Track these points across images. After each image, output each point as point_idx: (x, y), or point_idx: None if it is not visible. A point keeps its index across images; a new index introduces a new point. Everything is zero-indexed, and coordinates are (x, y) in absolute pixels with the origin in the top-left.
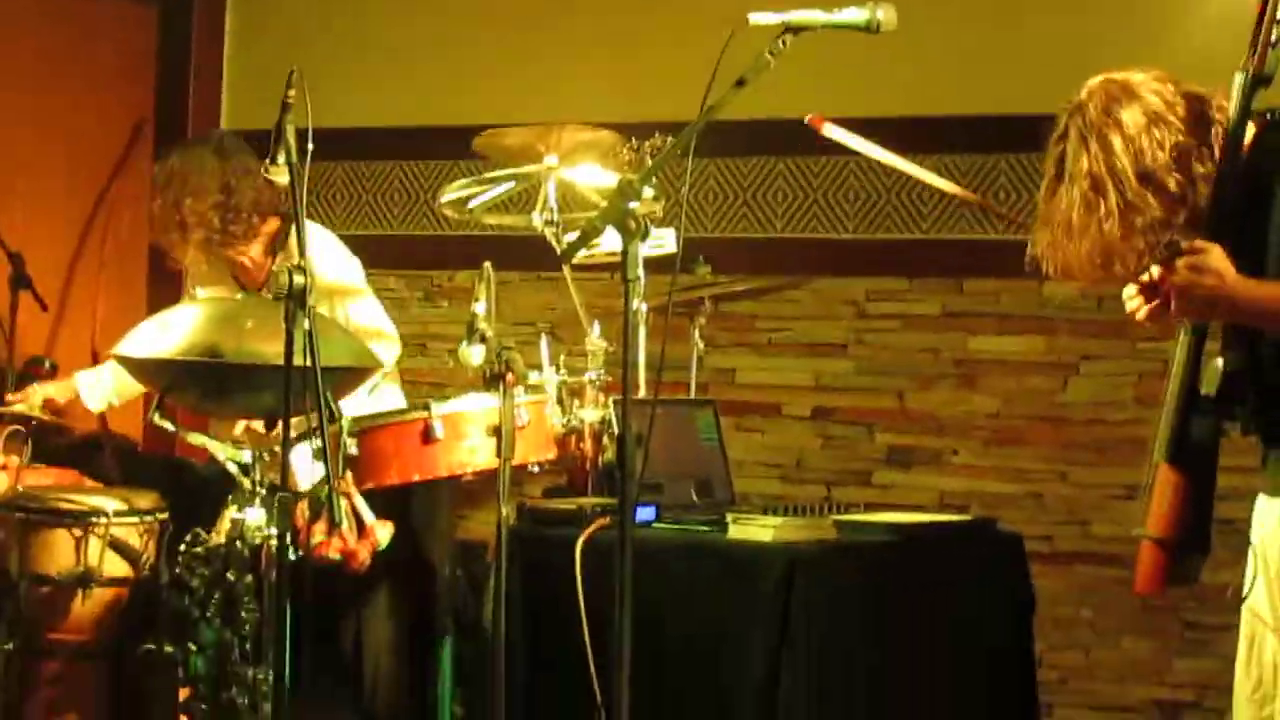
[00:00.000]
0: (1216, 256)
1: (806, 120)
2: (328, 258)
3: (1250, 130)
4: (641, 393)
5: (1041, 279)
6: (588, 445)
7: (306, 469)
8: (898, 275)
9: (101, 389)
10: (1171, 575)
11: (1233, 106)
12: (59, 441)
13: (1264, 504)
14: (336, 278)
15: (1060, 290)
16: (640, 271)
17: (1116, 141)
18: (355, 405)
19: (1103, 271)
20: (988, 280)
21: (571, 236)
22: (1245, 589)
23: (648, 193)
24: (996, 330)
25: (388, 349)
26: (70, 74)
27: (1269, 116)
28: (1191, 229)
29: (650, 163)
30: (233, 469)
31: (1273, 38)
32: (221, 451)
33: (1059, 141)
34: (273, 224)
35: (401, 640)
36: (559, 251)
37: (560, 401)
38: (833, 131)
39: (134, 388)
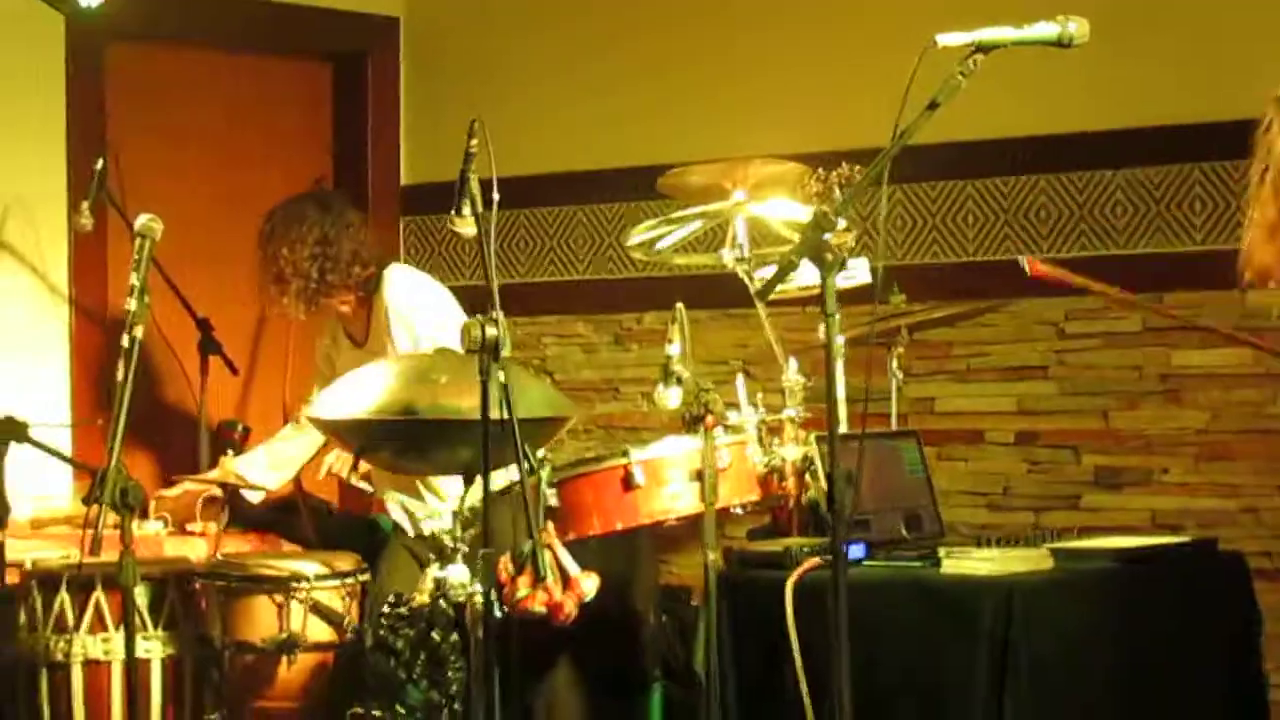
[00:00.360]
0: None
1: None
2: (406, 292)
3: None
4: (843, 427)
5: (1244, 287)
6: (790, 484)
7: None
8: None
9: (260, 468)
10: None
11: None
12: (255, 505)
13: None
14: (411, 308)
15: (1266, 299)
16: (831, 301)
17: None
18: None
19: None
20: (1189, 293)
21: (765, 272)
22: None
23: (840, 223)
24: (1201, 343)
25: None
26: (251, 134)
27: None
28: None
29: (840, 193)
30: (432, 527)
31: None
32: (420, 510)
33: (1265, 134)
34: (369, 274)
35: (601, 691)
36: (753, 289)
37: (760, 440)
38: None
39: (297, 457)
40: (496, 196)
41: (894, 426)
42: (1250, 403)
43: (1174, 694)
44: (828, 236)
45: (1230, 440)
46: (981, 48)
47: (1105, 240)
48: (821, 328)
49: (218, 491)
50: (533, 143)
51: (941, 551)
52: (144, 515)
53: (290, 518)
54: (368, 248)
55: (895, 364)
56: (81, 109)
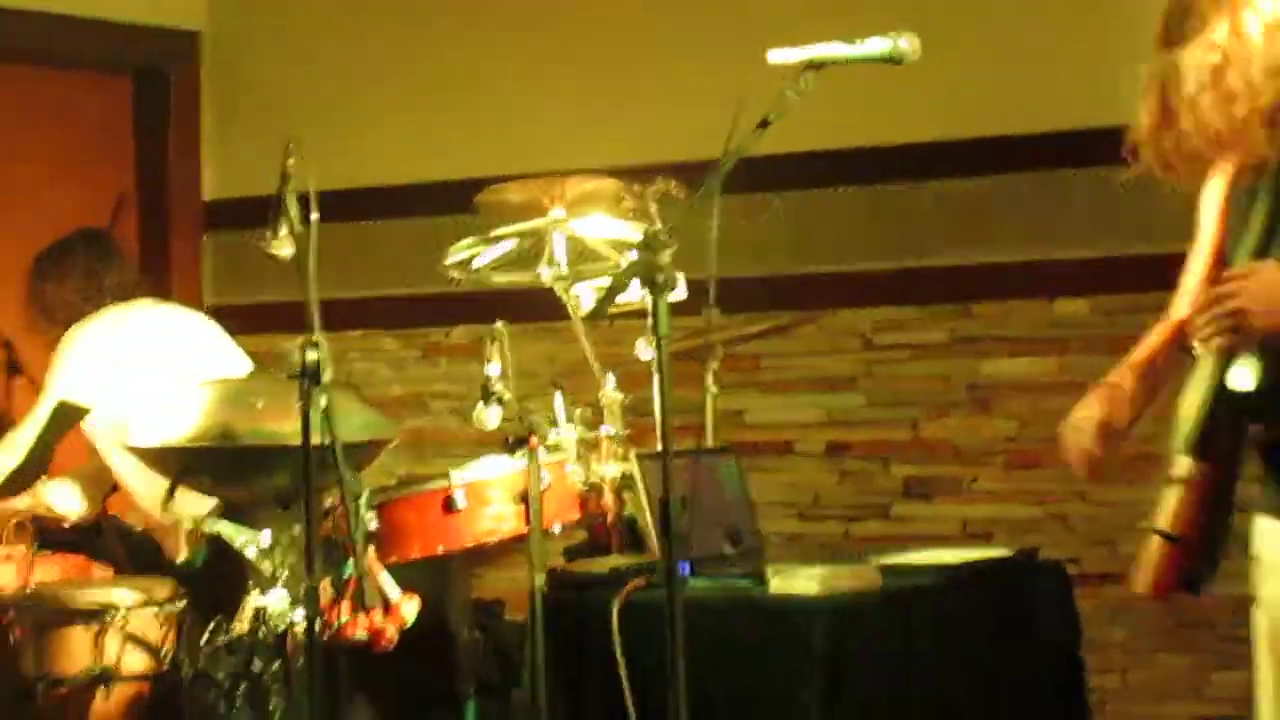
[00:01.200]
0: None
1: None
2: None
3: None
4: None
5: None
6: (609, 501)
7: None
8: (904, 304)
9: (72, 497)
10: (1182, 577)
11: None
12: (60, 528)
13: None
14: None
15: (1070, 308)
16: (663, 322)
17: (1253, 22)
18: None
19: (1209, 153)
20: (996, 303)
21: (581, 288)
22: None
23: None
24: (1008, 353)
25: None
26: (51, 150)
27: None
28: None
29: (657, 207)
30: (251, 554)
31: None
32: (239, 536)
33: (1177, 10)
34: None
35: (416, 710)
36: (572, 306)
37: (579, 458)
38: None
39: (101, 484)
40: (316, 215)
41: (709, 440)
42: (1058, 411)
43: (1004, 704)
44: (659, 257)
45: (1039, 448)
46: (813, 65)
47: (914, 252)
48: (638, 342)
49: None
50: (339, 157)
51: (769, 570)
52: None
53: (95, 538)
54: (132, 283)
55: (710, 379)
56: None
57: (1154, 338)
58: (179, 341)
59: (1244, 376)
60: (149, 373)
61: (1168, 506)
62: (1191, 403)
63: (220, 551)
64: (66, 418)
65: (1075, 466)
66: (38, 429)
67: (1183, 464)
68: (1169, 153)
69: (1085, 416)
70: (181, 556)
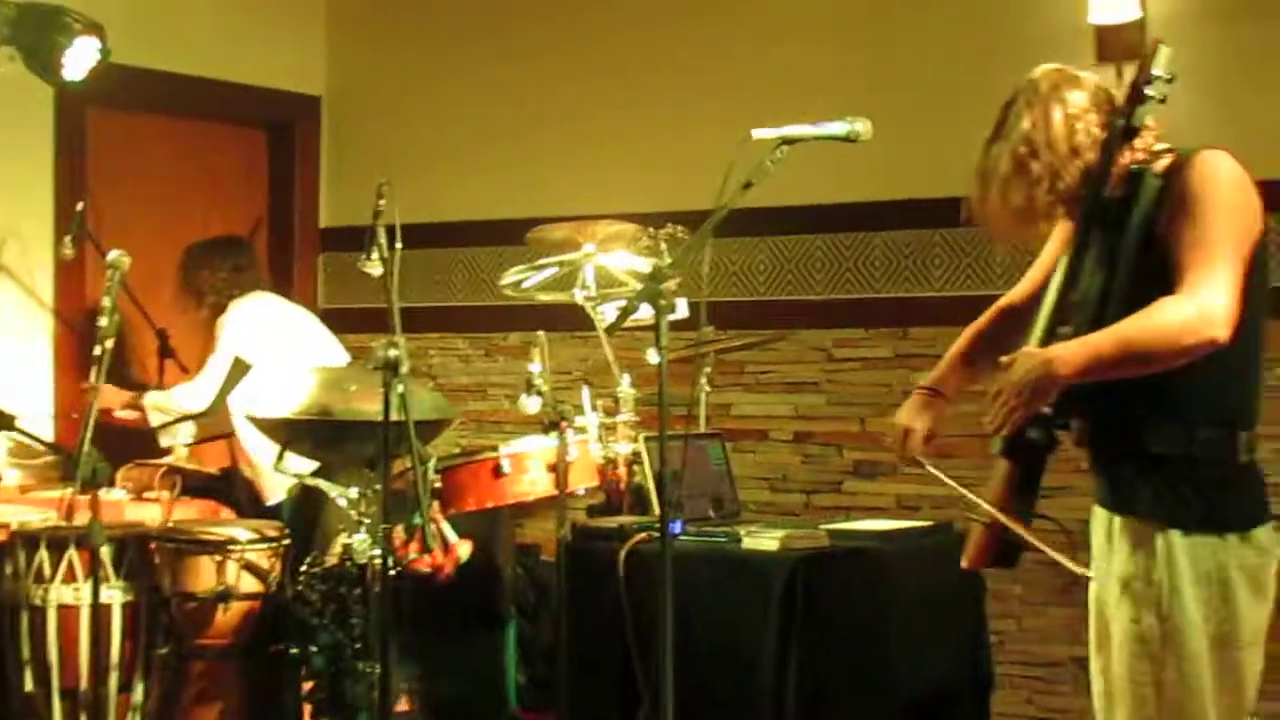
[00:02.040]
0: (1024, 355)
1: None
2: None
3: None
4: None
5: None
6: (622, 472)
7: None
8: (857, 326)
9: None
10: (994, 556)
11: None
12: (199, 478)
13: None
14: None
15: None
16: (664, 335)
17: (1058, 114)
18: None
19: (1019, 228)
20: (928, 328)
21: (605, 307)
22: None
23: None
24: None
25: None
26: (203, 183)
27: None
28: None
29: (666, 247)
30: (342, 503)
31: (1149, 91)
32: (333, 489)
33: (1005, 108)
34: None
35: (470, 627)
36: (602, 324)
37: (600, 438)
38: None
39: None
40: (399, 245)
41: (702, 426)
42: (970, 415)
43: (922, 642)
44: (664, 285)
45: (955, 442)
46: (787, 141)
47: (865, 286)
48: (649, 351)
49: (170, 468)
50: (424, 197)
51: (741, 530)
52: (110, 485)
53: (226, 487)
54: (266, 280)
55: (704, 379)
56: (66, 161)
57: (983, 322)
58: (303, 332)
59: None
60: (283, 350)
61: (984, 499)
62: None
63: (314, 501)
64: (239, 372)
65: (900, 459)
66: (220, 379)
67: (997, 463)
68: (989, 223)
69: (916, 430)
70: (271, 500)
